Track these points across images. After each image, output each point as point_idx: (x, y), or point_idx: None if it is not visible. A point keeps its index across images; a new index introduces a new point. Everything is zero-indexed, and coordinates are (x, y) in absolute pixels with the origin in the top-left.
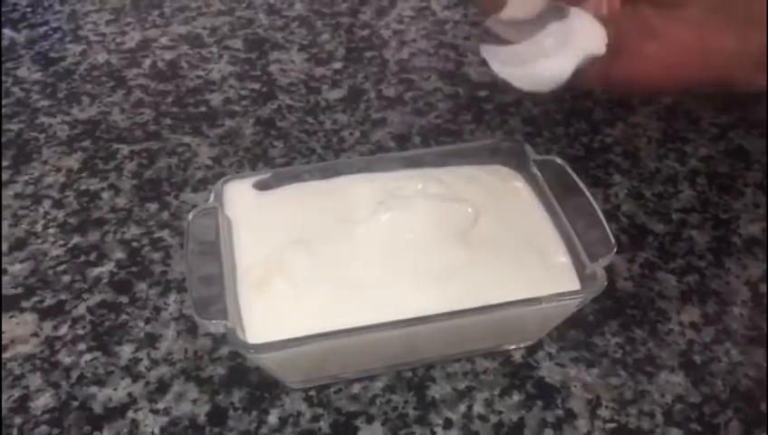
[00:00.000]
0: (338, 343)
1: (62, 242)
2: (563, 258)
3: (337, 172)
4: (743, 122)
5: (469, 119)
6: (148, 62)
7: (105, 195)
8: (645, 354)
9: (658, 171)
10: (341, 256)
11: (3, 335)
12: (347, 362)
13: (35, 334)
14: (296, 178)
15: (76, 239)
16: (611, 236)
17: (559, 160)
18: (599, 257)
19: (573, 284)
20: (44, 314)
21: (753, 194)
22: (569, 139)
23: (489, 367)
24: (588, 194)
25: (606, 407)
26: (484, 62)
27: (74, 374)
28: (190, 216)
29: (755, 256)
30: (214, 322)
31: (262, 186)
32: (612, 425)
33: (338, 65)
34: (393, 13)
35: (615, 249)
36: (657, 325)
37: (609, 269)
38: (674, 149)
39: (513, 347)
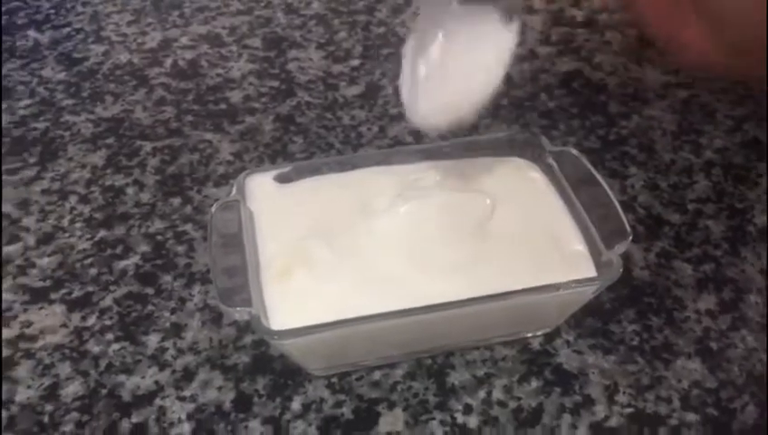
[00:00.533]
0: (358, 329)
1: (88, 236)
2: (580, 246)
3: (356, 165)
4: (757, 114)
5: (485, 113)
6: (169, 61)
7: (129, 190)
8: (662, 341)
9: (674, 163)
10: (361, 247)
11: (32, 326)
12: (367, 349)
13: (64, 325)
14: (316, 171)
15: (102, 233)
16: (627, 224)
17: (574, 151)
18: (614, 245)
19: (590, 271)
20: (73, 305)
21: None
22: (585, 131)
23: (508, 354)
24: (603, 183)
25: (623, 393)
26: None
27: (103, 363)
28: (213, 208)
29: None
30: (239, 309)
31: (282, 179)
32: (630, 410)
33: (355, 62)
34: (408, 10)
35: (630, 237)
36: (673, 313)
37: (626, 258)
38: (689, 141)
39: (530, 335)
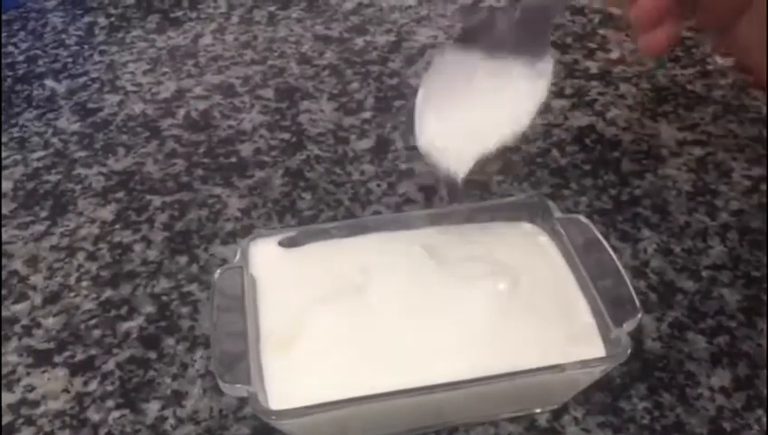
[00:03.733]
0: (360, 408)
1: (94, 295)
2: (588, 320)
3: (364, 230)
4: None
5: (496, 170)
6: (182, 112)
7: (137, 247)
8: (673, 420)
9: (688, 226)
10: (366, 318)
11: (35, 391)
12: (370, 426)
13: (66, 390)
14: (322, 235)
15: (108, 293)
16: (637, 300)
17: (583, 219)
18: (623, 322)
19: (598, 348)
20: (75, 369)
21: None
22: (597, 191)
23: (513, 431)
24: (613, 255)
25: None
26: None
27: (102, 432)
28: (216, 275)
29: None
30: (237, 386)
31: (287, 243)
32: None
33: (367, 115)
34: (422, 61)
35: (641, 314)
36: (685, 389)
37: (638, 329)
38: (704, 202)
39: (538, 411)
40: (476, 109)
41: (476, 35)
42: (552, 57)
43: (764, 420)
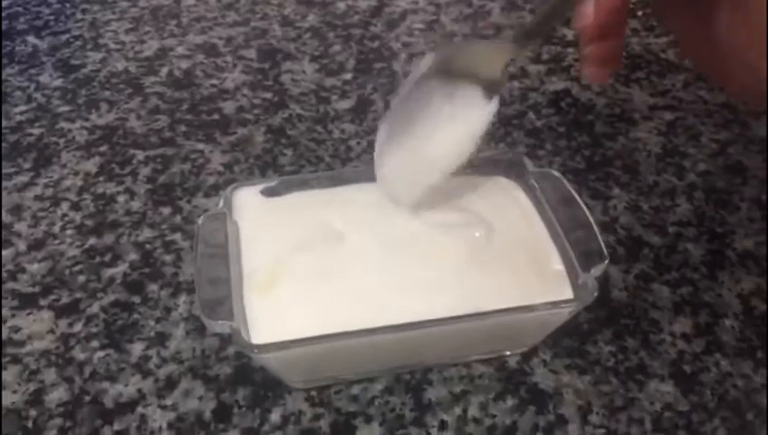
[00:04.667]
0: (338, 344)
1: (78, 243)
2: (558, 267)
3: (343, 181)
4: (742, 138)
5: None
6: (164, 70)
7: (121, 198)
8: (636, 363)
9: (657, 185)
10: (345, 262)
11: (20, 331)
12: (347, 363)
13: (51, 331)
14: (303, 185)
15: (92, 241)
16: (604, 247)
17: (555, 173)
18: (591, 268)
19: (567, 292)
20: (60, 311)
21: (749, 209)
22: (570, 151)
23: (485, 372)
24: (583, 206)
25: (596, 413)
26: None
27: (87, 370)
28: (200, 220)
29: (749, 270)
30: (220, 322)
31: (269, 193)
32: (602, 431)
33: (348, 76)
34: (403, 25)
35: (607, 260)
36: (649, 335)
37: (605, 280)
38: (673, 163)
39: (508, 353)
40: (428, 142)
41: (443, 65)
42: (503, 85)
43: (722, 363)
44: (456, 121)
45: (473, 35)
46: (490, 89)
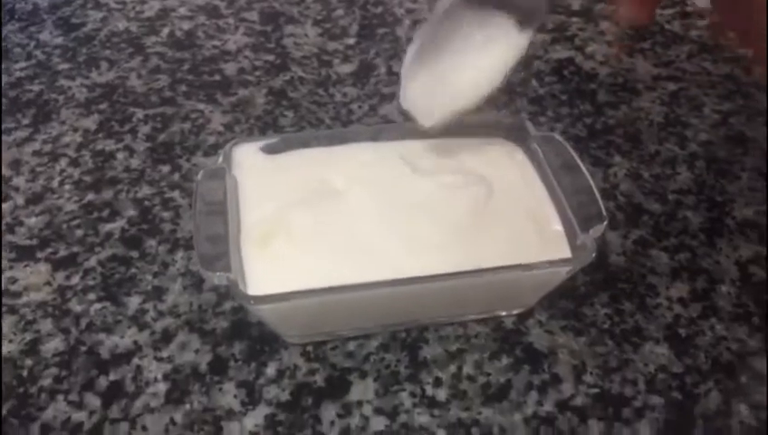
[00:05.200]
0: (334, 298)
1: (76, 198)
2: (557, 228)
3: (344, 140)
4: (745, 109)
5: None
6: (166, 30)
7: (120, 155)
8: (632, 326)
9: (658, 154)
10: (344, 219)
11: (17, 283)
12: (343, 318)
13: (48, 283)
14: (304, 144)
15: (90, 196)
16: (603, 208)
17: (557, 137)
18: (590, 229)
19: (565, 253)
20: (57, 264)
21: (750, 178)
22: (572, 119)
23: (481, 331)
24: (584, 169)
25: (591, 373)
26: None
27: (84, 322)
28: (199, 175)
29: (747, 238)
30: (218, 274)
31: (270, 150)
32: (595, 390)
33: (350, 41)
34: None
35: (606, 221)
36: (645, 299)
37: (604, 244)
38: (675, 133)
39: (505, 313)
40: (456, 68)
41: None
42: (542, 15)
43: (717, 327)
44: (487, 50)
45: None
46: (527, 19)
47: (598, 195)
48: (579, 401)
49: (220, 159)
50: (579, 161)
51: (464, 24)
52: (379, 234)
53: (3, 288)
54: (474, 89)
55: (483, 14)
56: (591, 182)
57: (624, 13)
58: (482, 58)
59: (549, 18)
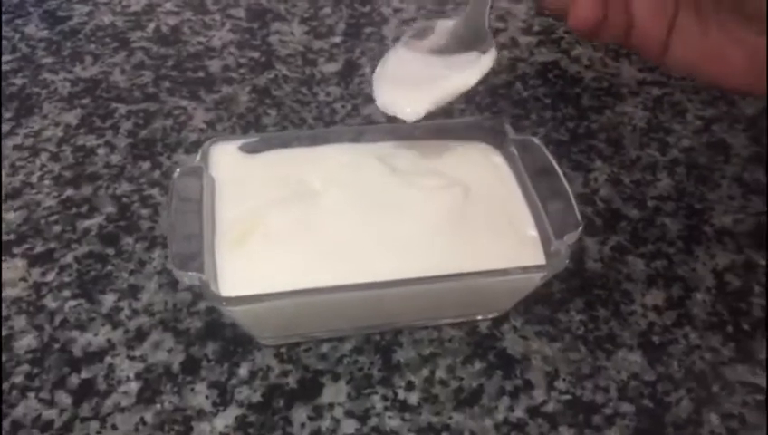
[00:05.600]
0: (308, 300)
1: (55, 194)
2: (532, 233)
3: (324, 141)
4: (728, 116)
5: (460, 99)
6: (152, 26)
7: (100, 151)
8: (606, 333)
9: (639, 159)
10: (321, 219)
11: None
12: (317, 321)
13: (24, 279)
14: (283, 144)
15: (69, 192)
16: (578, 215)
17: (536, 141)
18: (564, 234)
19: (539, 259)
20: (34, 260)
21: (729, 186)
22: (555, 123)
23: (455, 335)
24: (561, 174)
25: (563, 380)
26: None
27: (58, 319)
28: (175, 173)
29: (725, 247)
30: (190, 274)
31: (248, 149)
32: (567, 397)
33: (336, 39)
34: None
35: (581, 227)
36: (620, 306)
37: (581, 250)
38: (657, 138)
39: (479, 318)
40: (429, 68)
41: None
42: (492, 44)
43: (692, 336)
44: (461, 58)
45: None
46: (480, 43)
47: (574, 201)
48: (550, 407)
49: (198, 157)
50: (556, 166)
51: (441, 32)
52: (355, 235)
53: None
54: (452, 82)
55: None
56: (568, 188)
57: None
58: (458, 58)
59: (534, 20)
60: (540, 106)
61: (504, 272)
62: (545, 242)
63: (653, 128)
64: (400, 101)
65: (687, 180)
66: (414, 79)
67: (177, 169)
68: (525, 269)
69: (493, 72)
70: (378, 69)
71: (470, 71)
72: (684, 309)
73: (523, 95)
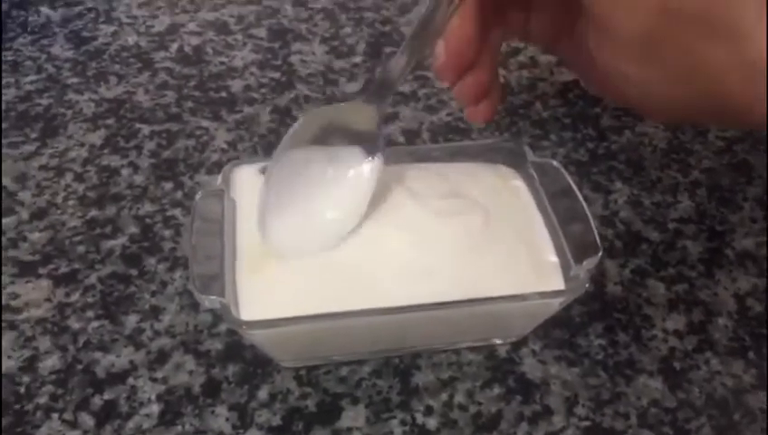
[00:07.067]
0: (327, 325)
1: (80, 214)
2: (552, 258)
3: None
4: (749, 137)
5: None
6: (175, 46)
7: (124, 172)
8: (626, 358)
9: (660, 181)
10: (340, 244)
11: (18, 298)
12: (336, 344)
13: (48, 299)
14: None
15: (93, 212)
16: (598, 240)
17: (555, 163)
18: (584, 260)
19: (559, 283)
20: (58, 281)
21: (752, 208)
22: (575, 143)
23: (473, 359)
24: (581, 198)
25: (583, 405)
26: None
27: (81, 339)
28: (197, 196)
29: (746, 270)
30: (211, 298)
31: None
32: (587, 423)
33: (357, 59)
34: (415, 10)
35: (600, 253)
36: (641, 331)
37: (601, 273)
38: (678, 159)
39: (498, 342)
40: (317, 207)
41: (315, 131)
42: (382, 149)
43: (713, 362)
44: (343, 185)
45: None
46: (370, 144)
47: (594, 226)
48: (569, 433)
49: (219, 180)
50: (576, 190)
51: (312, 162)
52: (374, 260)
53: (4, 304)
54: (338, 225)
55: (327, 150)
56: (588, 213)
57: (468, 114)
58: (340, 193)
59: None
60: (559, 126)
61: (523, 297)
62: (564, 267)
63: (674, 148)
64: (287, 250)
65: (709, 202)
66: (300, 222)
67: (199, 192)
68: (544, 295)
69: (513, 93)
70: (258, 205)
71: (357, 191)
72: (705, 334)
73: (542, 115)
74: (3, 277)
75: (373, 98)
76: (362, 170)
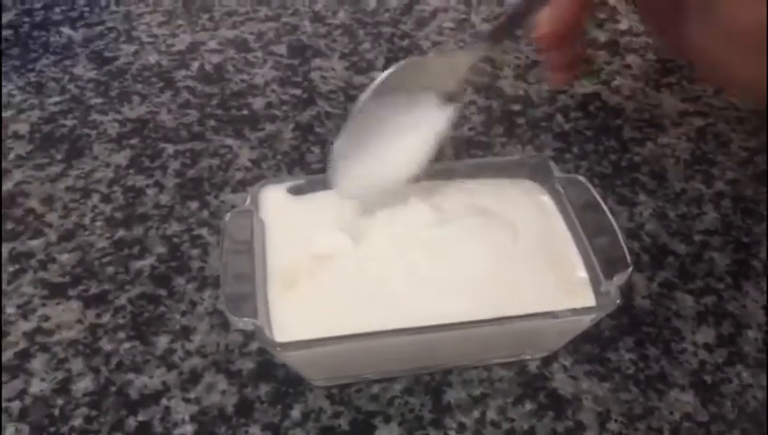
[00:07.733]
0: (360, 344)
1: (108, 235)
2: (581, 274)
3: None
4: None
5: (501, 132)
6: (196, 64)
7: (150, 191)
8: (657, 372)
9: (684, 192)
10: (368, 263)
11: (50, 320)
12: (368, 363)
13: (80, 321)
14: (329, 184)
15: (121, 233)
16: (628, 255)
17: (582, 179)
18: (614, 275)
19: (589, 300)
20: (89, 302)
21: None
22: (598, 156)
23: (505, 376)
24: (608, 212)
25: (615, 421)
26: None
27: (114, 361)
28: (226, 217)
29: None
30: (244, 319)
31: (296, 191)
32: None
33: (377, 74)
34: (433, 24)
35: (630, 269)
36: (671, 344)
37: (629, 287)
38: (701, 170)
39: (529, 358)
40: (387, 150)
41: (399, 81)
42: (461, 96)
43: (744, 374)
44: (415, 131)
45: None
46: (448, 100)
47: (622, 240)
48: None
49: (248, 200)
50: (603, 205)
51: (390, 110)
52: (403, 278)
53: (36, 326)
54: (405, 168)
55: (406, 100)
56: (616, 227)
57: (552, 78)
58: (410, 138)
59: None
60: (581, 139)
61: (555, 315)
62: (594, 282)
63: (697, 159)
64: (353, 190)
65: (734, 213)
66: (368, 162)
67: (228, 213)
68: (576, 311)
69: (533, 106)
70: (333, 154)
71: (428, 135)
72: (735, 347)
73: (564, 128)
74: (35, 299)
75: (467, 49)
76: (430, 118)
